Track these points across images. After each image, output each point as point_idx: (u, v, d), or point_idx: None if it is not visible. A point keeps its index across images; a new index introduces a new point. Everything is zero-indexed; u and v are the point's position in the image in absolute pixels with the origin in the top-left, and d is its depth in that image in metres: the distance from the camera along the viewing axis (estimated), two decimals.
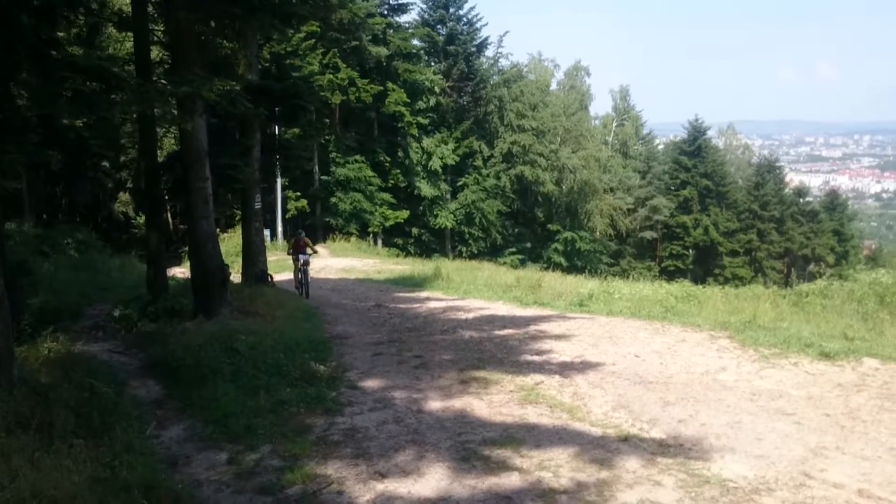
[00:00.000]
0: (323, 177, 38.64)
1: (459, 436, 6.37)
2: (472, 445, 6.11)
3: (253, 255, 16.23)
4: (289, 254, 18.33)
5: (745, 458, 5.81)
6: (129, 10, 13.53)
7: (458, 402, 7.42)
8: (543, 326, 11.92)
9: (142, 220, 32.20)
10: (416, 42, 43.55)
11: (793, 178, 75.68)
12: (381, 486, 5.32)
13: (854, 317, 12.00)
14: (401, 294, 18.14)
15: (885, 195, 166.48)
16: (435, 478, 5.47)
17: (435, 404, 7.38)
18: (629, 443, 6.18)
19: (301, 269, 16.94)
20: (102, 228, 32.11)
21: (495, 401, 7.50)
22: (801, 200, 59.02)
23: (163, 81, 8.06)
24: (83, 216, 32.50)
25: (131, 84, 6.38)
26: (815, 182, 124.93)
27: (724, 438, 6.29)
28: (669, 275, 45.68)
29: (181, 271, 21.02)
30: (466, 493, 5.18)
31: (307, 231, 40.13)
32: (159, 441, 6.36)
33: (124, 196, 34.98)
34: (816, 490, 5.22)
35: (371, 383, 8.26)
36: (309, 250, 17.37)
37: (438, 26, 45.83)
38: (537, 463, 5.71)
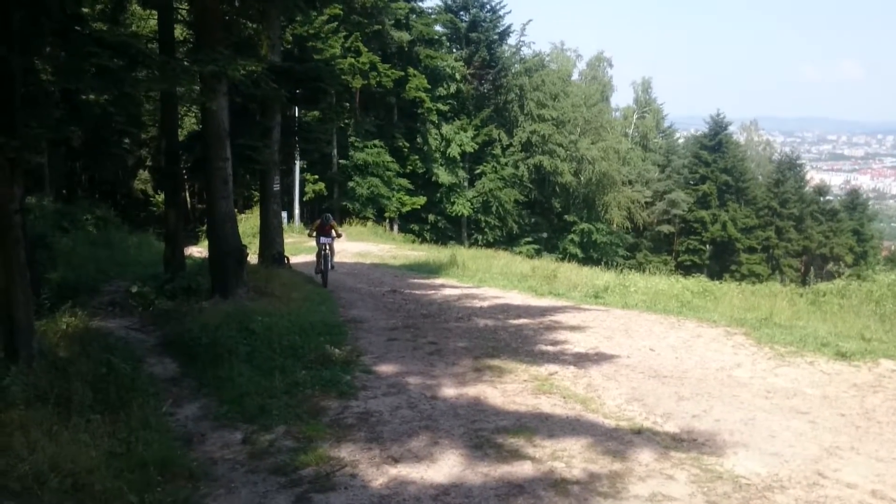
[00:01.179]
0: (341, 161, 38.66)
1: (473, 423, 6.39)
2: (485, 433, 6.12)
3: (270, 237, 16.25)
4: (310, 235, 16.80)
5: (759, 455, 5.79)
6: None
7: (471, 390, 7.43)
8: (558, 317, 11.90)
9: (160, 198, 32.39)
10: (438, 28, 43.41)
11: (813, 177, 74.93)
12: (394, 471, 5.35)
13: (872, 318, 11.91)
14: (416, 280, 18.15)
15: None
16: (448, 464, 5.49)
17: (449, 391, 7.40)
18: (642, 436, 6.17)
19: (324, 255, 15.79)
20: (121, 206, 32.33)
21: (509, 390, 7.51)
22: (822, 199, 58.46)
23: (187, 61, 8.05)
24: (102, 193, 32.72)
25: (157, 61, 6.38)
26: (836, 181, 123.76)
27: (738, 435, 6.27)
28: (686, 270, 45.53)
29: (198, 250, 21.14)
30: (479, 480, 5.20)
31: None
32: (175, 418, 6.42)
33: (143, 174, 35.17)
34: (830, 489, 5.19)
35: (385, 368, 8.28)
36: (334, 233, 16.16)
37: (461, 13, 45.66)
38: (550, 453, 5.71)
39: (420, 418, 6.53)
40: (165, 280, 12.20)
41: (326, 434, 6.03)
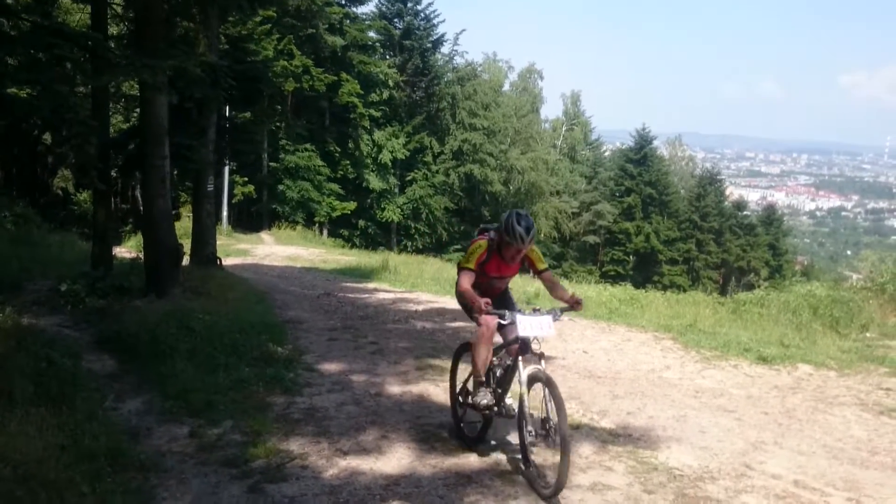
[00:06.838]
0: (272, 163, 38.29)
1: (418, 419, 6.54)
2: (430, 428, 6.28)
3: (203, 238, 16.04)
4: (463, 291, 5.50)
5: (690, 449, 6.12)
6: None
7: (415, 388, 7.58)
8: None
9: (82, 196, 31.46)
10: (372, 34, 43.45)
11: (732, 192, 77.79)
12: (343, 463, 5.45)
13: (789, 326, 12.52)
14: (349, 284, 18.15)
15: (818, 213, 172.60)
16: (396, 456, 5.63)
17: (393, 389, 7.52)
18: (581, 431, 6.43)
19: (527, 372, 5.33)
20: (40, 204, 31.20)
21: None
22: (740, 214, 60.67)
23: (145, 56, 7.92)
24: (19, 190, 31.54)
25: (118, 56, 6.30)
26: (754, 196, 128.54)
27: (671, 430, 6.61)
28: (610, 279, 46.53)
29: (124, 250, 20.61)
30: (428, 471, 5.35)
31: (254, 218, 39.71)
32: (118, 413, 6.34)
33: (65, 172, 34.06)
34: (756, 480, 5.54)
35: (328, 366, 8.34)
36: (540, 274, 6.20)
37: (396, 20, 45.80)
38: (494, 446, 5.90)
39: (366, 414, 6.64)
40: (97, 278, 11.91)
41: (274, 428, 6.07)
